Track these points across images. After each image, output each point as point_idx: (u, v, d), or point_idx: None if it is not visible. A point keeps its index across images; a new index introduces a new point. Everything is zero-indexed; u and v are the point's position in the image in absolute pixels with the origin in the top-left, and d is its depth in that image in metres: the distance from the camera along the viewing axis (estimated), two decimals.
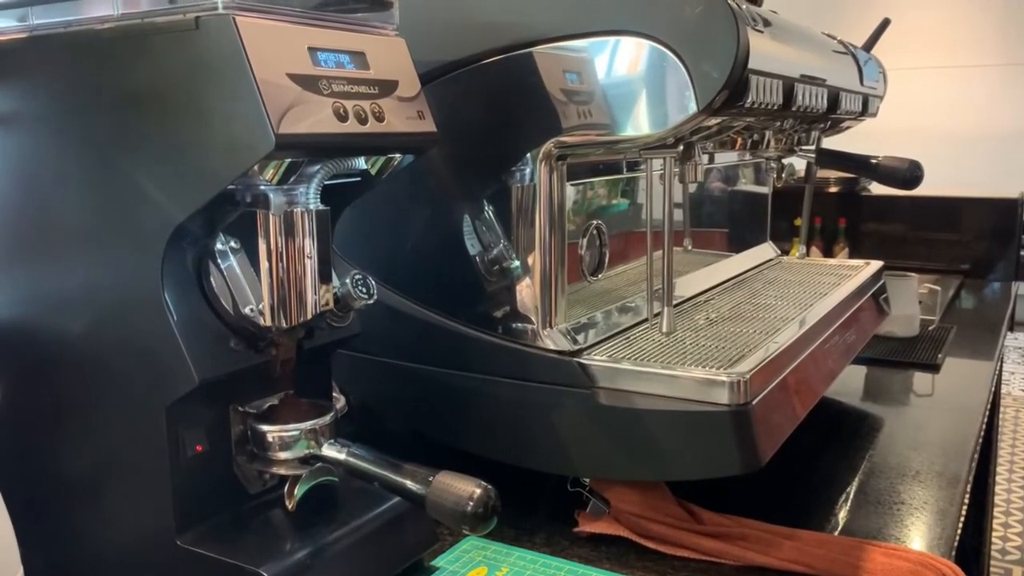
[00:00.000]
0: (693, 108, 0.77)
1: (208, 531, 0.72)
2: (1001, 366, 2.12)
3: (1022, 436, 3.83)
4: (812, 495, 0.98)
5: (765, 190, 1.52)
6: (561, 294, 0.90)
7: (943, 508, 0.93)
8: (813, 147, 1.22)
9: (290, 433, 0.73)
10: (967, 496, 0.99)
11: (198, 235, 0.71)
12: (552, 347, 0.88)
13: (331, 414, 0.75)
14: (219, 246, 0.72)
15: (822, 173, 2.59)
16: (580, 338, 0.91)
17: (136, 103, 0.66)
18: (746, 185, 1.47)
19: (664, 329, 0.86)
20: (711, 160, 1.32)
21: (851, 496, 0.98)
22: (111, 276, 0.71)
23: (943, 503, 0.94)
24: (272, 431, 0.73)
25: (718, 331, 1.00)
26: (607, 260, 0.98)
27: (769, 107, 0.85)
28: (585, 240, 0.93)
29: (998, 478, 3.30)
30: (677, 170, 0.91)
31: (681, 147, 0.86)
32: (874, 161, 1.17)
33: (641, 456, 0.83)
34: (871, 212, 2.48)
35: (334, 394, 0.97)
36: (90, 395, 0.73)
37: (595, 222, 0.94)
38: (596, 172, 0.96)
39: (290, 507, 0.74)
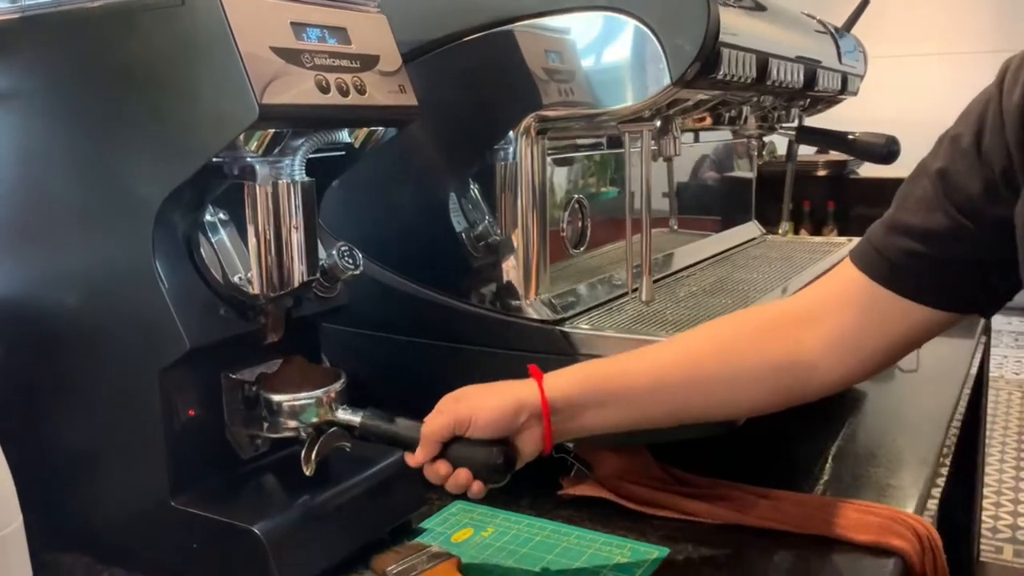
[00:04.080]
0: (667, 80, 0.79)
1: (201, 493, 0.74)
2: (988, 341, 2.15)
3: (1015, 418, 3.87)
4: (790, 461, 1.00)
5: (750, 170, 1.55)
6: (543, 266, 0.92)
7: (917, 471, 0.96)
8: (793, 124, 1.24)
9: (303, 400, 0.76)
10: (944, 460, 1.01)
11: (188, 207, 0.73)
12: (535, 316, 0.91)
13: (342, 380, 0.78)
14: (208, 218, 0.75)
15: (811, 158, 2.63)
16: (563, 309, 0.94)
17: (125, 79, 0.69)
18: (731, 165, 1.49)
19: (644, 298, 0.89)
20: (696, 138, 1.35)
21: (828, 461, 1.00)
22: (105, 248, 0.74)
23: (917, 467, 0.97)
24: (286, 399, 0.75)
25: (698, 302, 1.02)
26: (589, 234, 1.00)
27: (743, 81, 0.88)
28: (567, 214, 0.96)
29: (990, 459, 3.33)
30: (656, 146, 0.94)
31: (659, 121, 0.88)
32: (851, 137, 1.19)
33: None
34: (859, 195, 2.51)
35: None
36: (87, 363, 0.76)
37: (577, 196, 0.97)
38: (578, 148, 0.99)
39: (308, 472, 0.76)
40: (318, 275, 0.77)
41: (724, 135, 1.41)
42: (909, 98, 5.36)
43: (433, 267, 0.99)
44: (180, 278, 0.72)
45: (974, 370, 1.43)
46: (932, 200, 0.69)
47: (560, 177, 0.96)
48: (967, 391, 1.38)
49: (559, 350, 0.89)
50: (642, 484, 0.88)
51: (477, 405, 0.72)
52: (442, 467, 0.72)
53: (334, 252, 0.79)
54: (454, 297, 0.95)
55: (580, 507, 0.88)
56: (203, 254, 0.74)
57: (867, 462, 0.99)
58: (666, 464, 0.92)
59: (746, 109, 1.09)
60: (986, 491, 2.98)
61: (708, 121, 1.09)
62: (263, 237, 0.71)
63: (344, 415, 0.76)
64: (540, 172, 0.90)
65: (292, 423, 0.76)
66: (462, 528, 0.84)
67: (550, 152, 0.93)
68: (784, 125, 1.24)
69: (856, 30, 1.40)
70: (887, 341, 0.75)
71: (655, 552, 0.78)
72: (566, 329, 0.89)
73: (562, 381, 0.74)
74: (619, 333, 0.88)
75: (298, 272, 0.73)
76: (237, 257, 0.75)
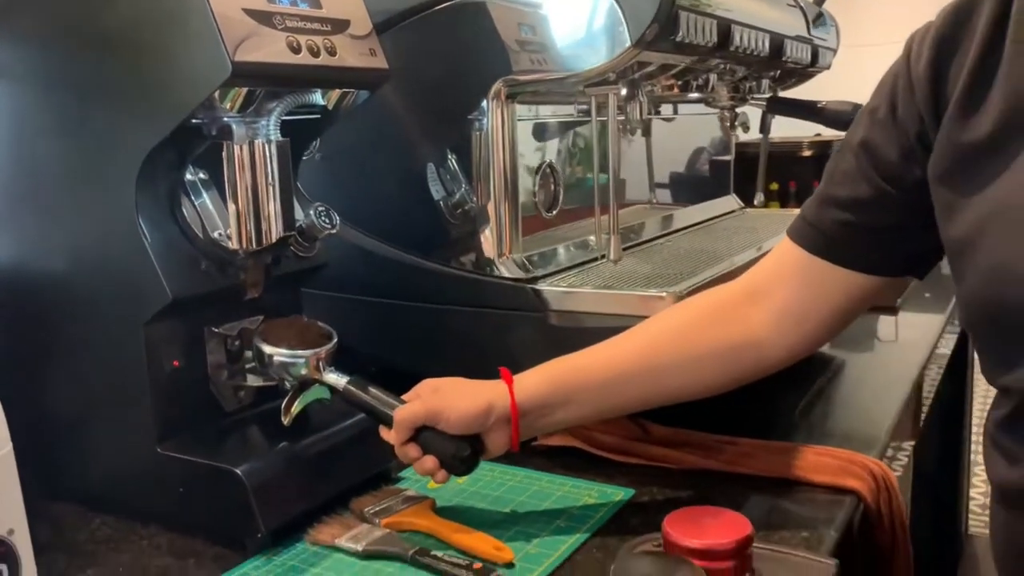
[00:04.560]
0: (627, 42, 0.83)
1: (186, 440, 0.78)
2: None
3: None
4: (760, 417, 1.04)
5: (727, 145, 1.58)
6: (515, 227, 0.96)
7: (879, 422, 0.99)
8: (764, 96, 1.27)
9: (294, 358, 0.79)
10: (903, 406, 1.04)
11: (170, 167, 0.77)
12: (507, 275, 0.94)
13: (334, 342, 0.81)
14: (189, 177, 0.78)
15: (796, 138, 2.65)
16: (536, 270, 0.98)
17: (105, 44, 0.72)
18: (708, 140, 1.53)
19: (611, 256, 0.92)
20: (675, 111, 1.39)
21: (795, 415, 1.04)
22: (90, 209, 0.77)
23: (880, 419, 1.00)
24: (278, 353, 0.78)
25: (668, 264, 1.06)
26: (561, 198, 1.04)
27: (705, 45, 0.91)
28: (538, 177, 1.00)
29: (976, 438, 3.37)
30: (623, 117, 0.97)
31: (624, 86, 0.92)
32: (820, 105, 1.22)
33: None
34: None
35: None
36: (75, 321, 0.80)
37: (547, 160, 1.00)
38: (551, 115, 1.02)
39: (286, 422, 0.79)
40: (295, 233, 0.81)
41: (701, 109, 1.44)
42: None
43: (413, 233, 1.02)
44: (163, 234, 0.75)
45: (945, 343, 1.47)
46: (856, 171, 0.73)
47: (531, 142, 0.99)
48: (941, 351, 1.42)
49: (531, 307, 0.92)
50: (612, 434, 0.92)
51: (451, 403, 0.75)
52: (412, 450, 0.76)
53: (311, 212, 0.82)
54: (432, 260, 0.99)
55: (553, 457, 0.92)
56: (185, 212, 0.77)
57: (832, 416, 1.03)
58: (637, 417, 0.96)
59: (713, 78, 1.12)
60: (976, 469, 3.01)
61: (677, 90, 1.12)
62: (241, 194, 0.74)
63: (331, 377, 0.79)
64: (510, 135, 0.93)
65: (280, 376, 0.80)
66: None
67: (523, 119, 0.97)
68: (755, 96, 1.27)
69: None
70: (829, 309, 0.78)
71: (621, 493, 0.82)
72: (538, 287, 0.93)
73: (530, 383, 0.77)
74: (586, 288, 0.91)
75: (275, 228, 0.76)
76: (217, 215, 0.78)
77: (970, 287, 0.64)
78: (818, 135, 2.59)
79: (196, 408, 0.80)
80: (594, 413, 0.81)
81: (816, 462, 0.85)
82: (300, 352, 0.79)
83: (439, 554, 0.70)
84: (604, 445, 0.91)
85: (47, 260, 0.81)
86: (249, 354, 0.83)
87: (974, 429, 3.29)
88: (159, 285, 0.73)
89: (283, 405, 0.80)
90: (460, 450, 0.74)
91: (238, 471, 0.73)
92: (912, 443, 1.32)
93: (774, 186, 2.54)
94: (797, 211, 1.44)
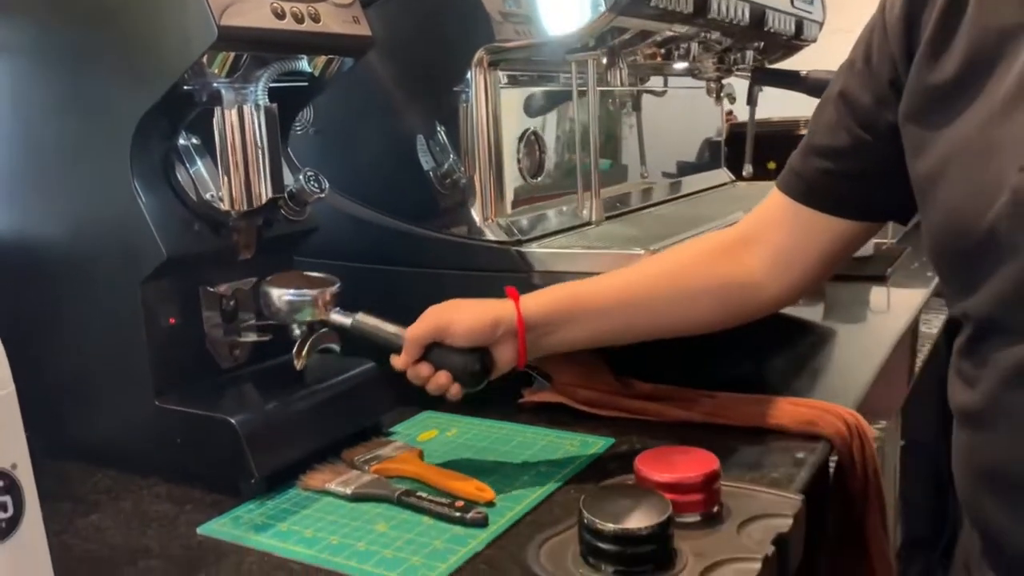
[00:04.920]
0: (602, 6, 0.85)
1: (183, 394, 0.81)
2: None
3: None
4: (741, 374, 1.07)
5: (718, 119, 1.60)
6: (499, 191, 0.99)
7: (856, 378, 1.02)
8: (748, 66, 1.30)
9: (301, 297, 0.81)
10: (883, 364, 1.07)
11: (163, 134, 0.80)
12: (493, 238, 0.97)
13: (337, 284, 0.83)
14: (182, 142, 0.81)
15: (793, 116, 2.68)
16: (521, 232, 1.01)
17: (97, 13, 0.76)
18: (699, 114, 1.55)
19: (592, 218, 0.95)
20: (664, 83, 1.41)
21: (779, 375, 1.07)
22: (87, 175, 0.81)
23: (858, 375, 1.03)
24: (285, 294, 0.81)
25: (653, 227, 1.09)
26: (546, 164, 1.07)
27: (680, 12, 0.94)
28: (523, 144, 1.03)
29: None
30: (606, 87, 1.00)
31: (603, 54, 0.95)
32: (803, 74, 1.25)
33: None
34: None
35: None
36: (78, 280, 0.83)
37: (531, 127, 1.03)
38: (535, 83, 1.05)
39: (299, 366, 0.82)
40: (285, 196, 0.84)
41: (690, 83, 1.47)
42: None
43: (404, 203, 1.05)
44: (157, 197, 0.79)
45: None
46: (836, 121, 0.77)
47: (515, 111, 1.02)
48: (926, 316, 1.44)
49: (516, 268, 0.95)
50: (596, 389, 0.95)
51: (458, 316, 0.78)
52: (424, 369, 0.78)
53: (300, 177, 0.86)
54: (421, 227, 1.02)
55: (539, 412, 0.95)
56: (179, 176, 0.81)
57: (813, 375, 1.05)
58: (620, 374, 0.99)
59: (695, 47, 1.14)
60: None
61: (660, 59, 1.15)
62: (231, 157, 0.78)
63: (337, 316, 0.82)
64: (493, 102, 0.96)
65: (288, 319, 0.82)
66: (428, 431, 0.91)
67: (507, 86, 1.00)
68: (740, 67, 1.29)
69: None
70: (817, 254, 0.82)
71: (601, 442, 0.85)
72: (522, 249, 0.96)
73: (536, 301, 0.81)
74: (570, 249, 0.94)
75: (264, 190, 0.80)
76: (210, 178, 0.82)
77: (933, 221, 0.68)
78: None
79: (193, 365, 0.84)
80: (595, 337, 0.84)
81: (791, 412, 0.88)
82: (306, 291, 0.81)
83: (424, 495, 0.73)
84: (587, 400, 0.94)
85: (49, 226, 0.84)
86: (245, 314, 0.87)
87: None
88: (154, 244, 0.77)
89: (294, 351, 0.82)
90: (470, 364, 0.77)
91: (232, 420, 0.76)
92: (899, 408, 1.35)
93: (771, 165, 2.55)
94: None
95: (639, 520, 0.60)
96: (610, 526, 0.60)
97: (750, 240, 0.84)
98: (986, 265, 0.63)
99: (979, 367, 0.67)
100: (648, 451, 0.72)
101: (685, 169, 1.50)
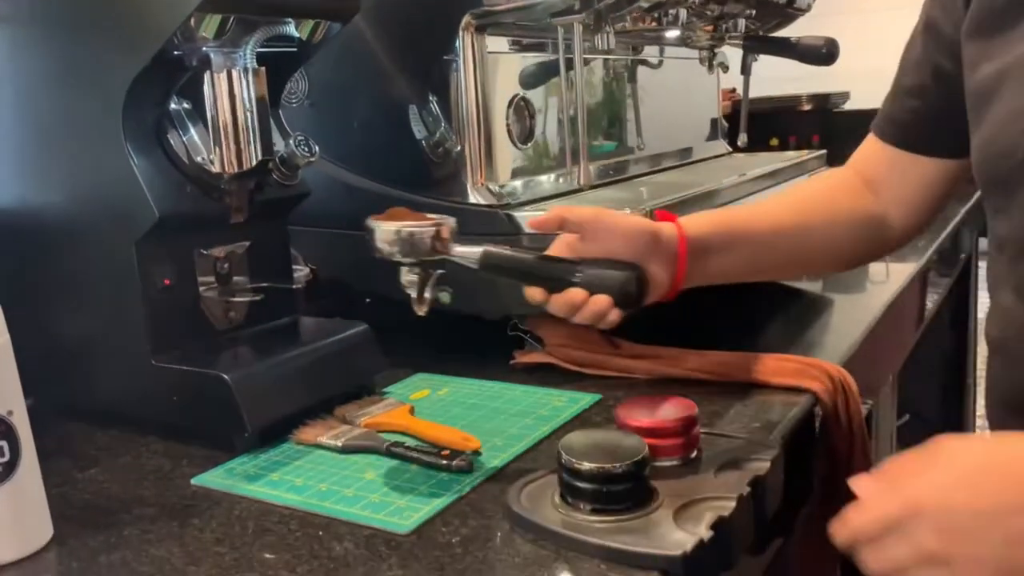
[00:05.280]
0: None
1: (179, 354, 0.83)
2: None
3: None
4: (730, 337, 1.08)
5: (715, 90, 1.61)
6: (488, 156, 1.00)
7: (844, 338, 1.03)
8: (741, 34, 1.30)
9: (423, 231, 0.71)
10: (873, 326, 1.08)
11: (155, 99, 0.82)
12: (482, 202, 0.99)
13: (453, 219, 0.73)
14: (174, 107, 0.83)
15: (795, 92, 2.68)
16: (512, 197, 1.02)
17: None
18: (697, 85, 1.56)
19: (581, 182, 0.97)
20: (661, 53, 1.42)
21: (766, 337, 1.08)
22: (83, 141, 0.83)
23: (846, 335, 1.04)
24: (402, 227, 0.71)
25: (644, 192, 1.10)
26: (536, 130, 1.08)
27: None
28: (511, 110, 1.04)
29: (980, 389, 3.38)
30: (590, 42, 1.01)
31: (589, 17, 0.96)
32: (794, 41, 1.26)
33: None
34: (845, 128, 2.55)
35: (298, 266, 1.09)
36: (75, 244, 0.85)
37: (520, 93, 1.05)
38: (524, 48, 1.07)
39: (422, 312, 0.74)
40: (276, 160, 0.86)
41: (686, 53, 1.47)
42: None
43: (396, 171, 1.07)
44: (150, 160, 0.81)
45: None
46: (921, 56, 0.79)
47: (503, 75, 1.03)
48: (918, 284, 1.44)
49: (505, 231, 0.97)
50: (585, 349, 0.96)
51: (614, 216, 0.72)
52: (577, 295, 0.71)
53: (291, 141, 0.87)
54: (410, 191, 1.03)
55: (530, 372, 0.97)
56: (170, 140, 0.83)
57: (802, 335, 1.06)
58: (609, 335, 1.00)
59: (683, 13, 1.15)
60: (978, 420, 3.03)
61: (652, 23, 1.16)
62: (221, 120, 0.80)
63: (462, 249, 0.72)
64: (481, 66, 0.98)
65: (405, 256, 0.72)
66: (421, 391, 0.93)
67: (495, 52, 1.01)
68: (732, 35, 1.30)
69: None
70: (922, 195, 0.84)
71: (588, 398, 0.87)
72: (510, 212, 0.97)
73: (696, 222, 0.77)
74: None
75: (254, 152, 0.81)
76: (201, 142, 0.83)
77: (984, 135, 0.69)
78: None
79: (189, 327, 0.86)
80: (747, 268, 0.82)
81: (776, 367, 0.89)
82: (427, 222, 0.71)
83: (412, 445, 0.75)
84: (577, 360, 0.96)
85: (46, 191, 0.86)
86: (239, 278, 0.89)
87: (979, 383, 3.28)
88: (147, 205, 0.79)
89: (414, 295, 0.73)
90: (627, 283, 0.70)
91: (225, 376, 0.78)
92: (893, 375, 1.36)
93: (774, 141, 2.56)
94: (791, 153, 1.48)
95: (616, 459, 0.61)
96: (587, 465, 0.61)
97: (866, 181, 0.86)
98: None
99: (1015, 292, 0.68)
100: (629, 400, 0.73)
101: (681, 140, 1.51)
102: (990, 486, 0.55)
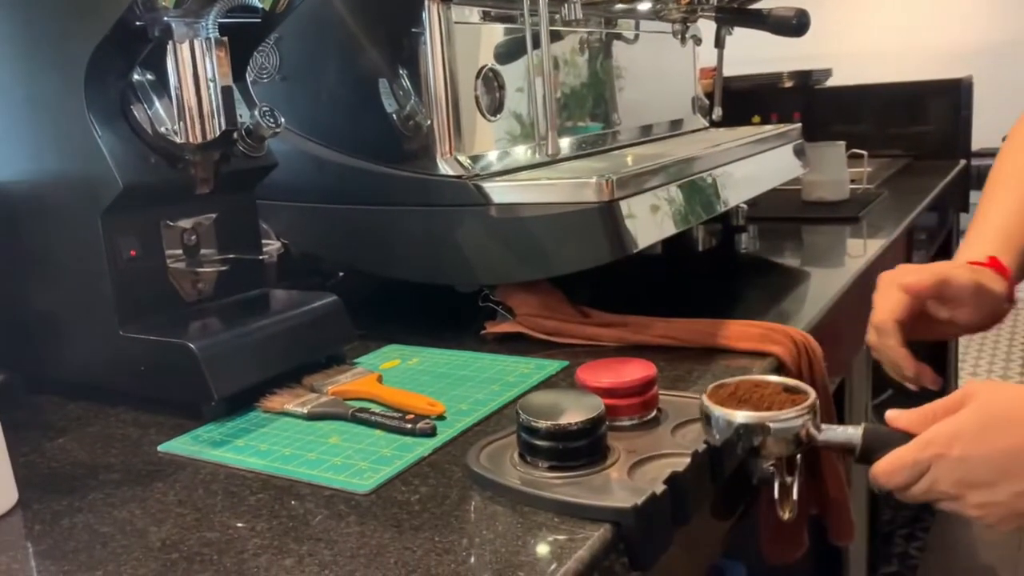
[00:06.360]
0: None
1: (147, 324, 0.84)
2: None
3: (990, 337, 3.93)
4: (703, 307, 1.09)
5: (691, 65, 1.61)
6: (456, 127, 1.01)
7: (811, 308, 1.04)
8: (713, 7, 1.31)
9: (789, 422, 0.62)
10: (842, 294, 1.09)
11: (119, 71, 0.82)
12: (451, 173, 0.99)
13: (813, 398, 0.64)
14: (137, 78, 0.83)
15: (776, 69, 2.68)
16: (482, 168, 1.02)
17: None
18: (671, 61, 1.56)
19: (549, 152, 0.97)
20: (636, 27, 1.42)
21: (733, 305, 1.09)
22: (47, 111, 0.83)
23: (813, 305, 1.05)
24: (762, 419, 0.61)
25: (617, 162, 1.11)
26: (506, 102, 1.08)
27: None
28: (480, 81, 1.04)
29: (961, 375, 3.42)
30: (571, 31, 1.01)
31: None
32: (765, 12, 1.26)
33: (531, 257, 0.95)
34: (826, 106, 2.56)
35: (270, 240, 1.10)
36: (43, 218, 0.85)
37: (488, 64, 1.05)
38: (491, 19, 1.07)
39: (786, 517, 0.65)
40: (240, 130, 0.86)
41: (661, 27, 1.48)
42: (900, 33, 5.37)
43: (367, 144, 1.07)
44: (113, 130, 0.81)
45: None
46: None
47: (471, 45, 1.04)
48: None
49: (474, 201, 0.97)
50: (555, 319, 0.97)
51: (951, 268, 0.79)
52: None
53: (255, 112, 0.88)
54: (379, 163, 1.04)
55: (500, 343, 0.98)
56: (135, 112, 0.83)
57: (772, 305, 1.07)
58: (578, 304, 1.01)
59: None
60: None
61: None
62: (184, 90, 0.80)
63: (831, 434, 0.63)
64: (448, 38, 0.98)
65: (772, 451, 0.62)
66: (391, 360, 0.93)
67: (463, 23, 1.01)
68: (705, 8, 1.30)
69: None
70: None
71: (555, 365, 0.87)
72: (479, 183, 0.98)
73: (1004, 254, 0.82)
74: (524, 181, 0.96)
75: (217, 122, 0.81)
76: (165, 113, 0.83)
77: None
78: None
79: (157, 298, 0.86)
80: None
81: (741, 331, 0.90)
82: (791, 410, 0.61)
83: (377, 410, 0.76)
84: (547, 329, 0.96)
85: (11, 163, 0.86)
86: (207, 250, 0.89)
87: (960, 375, 3.32)
88: (111, 175, 0.79)
89: (777, 498, 0.64)
90: None
91: (191, 345, 0.79)
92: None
93: (756, 119, 2.57)
94: (767, 127, 1.47)
95: (572, 417, 0.62)
96: (544, 423, 0.62)
97: None
98: None
99: None
100: (590, 362, 0.74)
101: (657, 114, 1.51)
102: (1007, 434, 0.61)
